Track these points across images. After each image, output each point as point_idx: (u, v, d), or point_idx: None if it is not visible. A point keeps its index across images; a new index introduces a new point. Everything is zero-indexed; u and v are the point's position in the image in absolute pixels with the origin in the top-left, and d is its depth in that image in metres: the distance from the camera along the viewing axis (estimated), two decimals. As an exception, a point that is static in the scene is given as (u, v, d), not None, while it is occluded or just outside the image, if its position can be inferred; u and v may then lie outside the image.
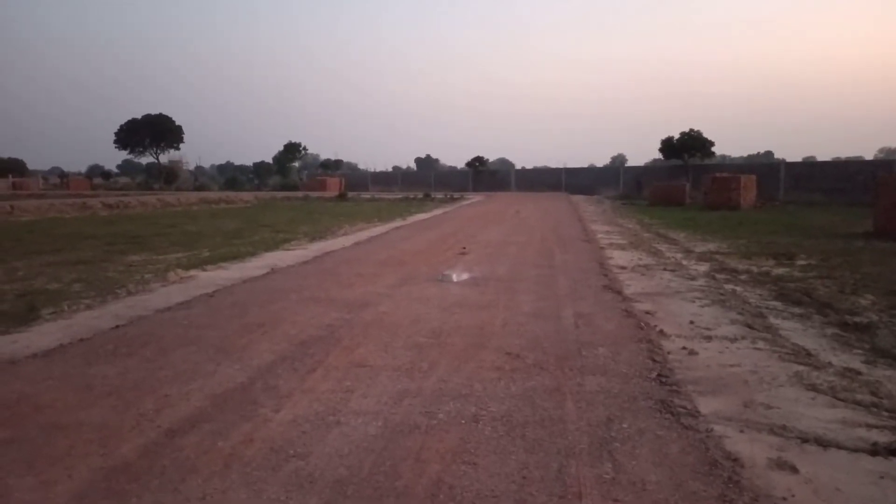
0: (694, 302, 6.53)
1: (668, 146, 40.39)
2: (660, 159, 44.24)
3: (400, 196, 38.39)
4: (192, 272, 8.47)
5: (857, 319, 5.67)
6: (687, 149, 39.40)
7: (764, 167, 37.85)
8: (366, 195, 41.05)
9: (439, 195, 38.47)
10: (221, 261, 9.50)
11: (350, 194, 39.47)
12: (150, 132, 58.99)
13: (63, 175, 60.18)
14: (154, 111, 59.43)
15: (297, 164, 63.85)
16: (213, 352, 4.65)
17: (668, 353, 4.63)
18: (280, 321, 5.64)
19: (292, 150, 61.38)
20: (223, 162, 67.55)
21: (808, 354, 4.65)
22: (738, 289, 7.30)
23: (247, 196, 36.20)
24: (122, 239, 12.52)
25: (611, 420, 3.36)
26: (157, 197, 30.24)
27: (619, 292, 6.99)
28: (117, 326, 5.45)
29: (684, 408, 3.53)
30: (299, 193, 41.85)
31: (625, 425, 3.29)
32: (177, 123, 60.12)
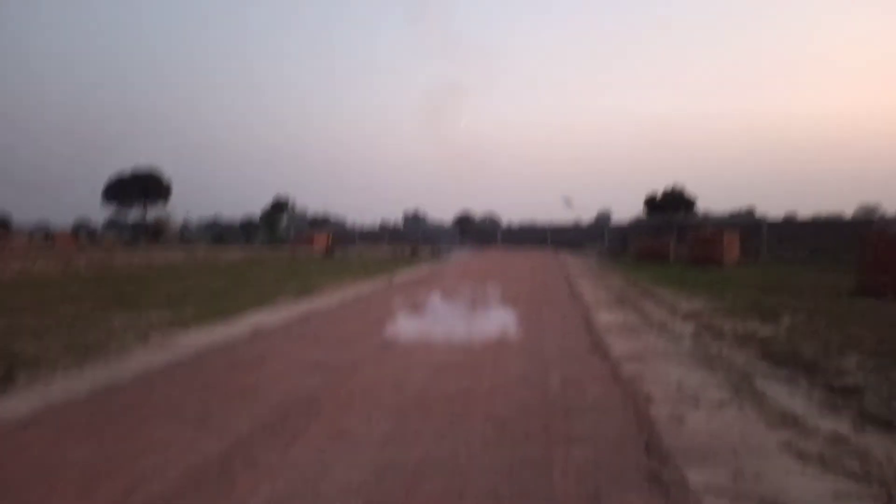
0: (680, 364, 6.51)
1: (651, 203, 41.15)
2: (643, 217, 44.98)
3: (387, 252, 38.48)
4: (175, 333, 8.35)
5: (843, 381, 5.66)
6: (670, 206, 40.14)
7: (747, 224, 38.50)
8: (353, 251, 41.10)
9: (426, 251, 38.61)
10: (206, 321, 9.38)
11: (338, 250, 39.50)
12: (139, 187, 59.23)
13: (48, 233, 59.81)
14: (139, 159, 59.78)
15: (284, 220, 64.18)
16: (193, 421, 4.54)
17: (656, 420, 4.58)
18: (262, 388, 5.53)
19: (280, 207, 61.77)
20: (210, 213, 67.55)
21: (796, 420, 4.61)
22: (725, 349, 7.30)
23: (234, 253, 36.11)
24: (106, 298, 12.36)
25: (598, 494, 3.28)
26: (143, 254, 30.08)
27: (606, 354, 6.96)
28: (93, 393, 5.32)
29: (673, 479, 3.47)
30: (286, 250, 41.84)
31: (613, 499, 3.22)
32: (166, 178, 60.49)
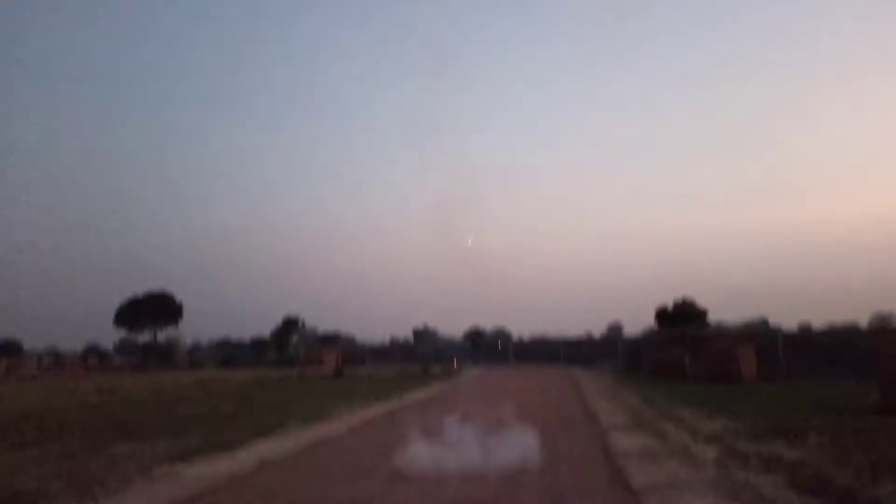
0: (706, 495, 6.18)
1: (662, 315, 40.86)
2: (655, 328, 44.51)
3: (397, 370, 37.87)
4: (178, 466, 8.10)
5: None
6: (682, 318, 39.81)
7: (762, 336, 37.81)
8: (363, 370, 40.50)
9: (437, 369, 38.00)
10: (211, 451, 9.12)
11: (347, 369, 38.93)
12: (151, 309, 59.64)
13: (58, 358, 59.72)
14: (147, 281, 60.39)
15: (294, 338, 64.05)
16: (192, 569, 4.30)
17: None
18: (267, 528, 5.28)
19: (290, 325, 61.86)
20: (220, 334, 67.66)
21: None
22: (751, 476, 6.96)
23: (243, 374, 35.72)
24: (111, 427, 12.12)
25: None
26: (152, 378, 29.83)
27: (627, 486, 6.65)
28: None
29: None
30: (296, 371, 41.32)
31: None
32: (178, 300, 60.97)
